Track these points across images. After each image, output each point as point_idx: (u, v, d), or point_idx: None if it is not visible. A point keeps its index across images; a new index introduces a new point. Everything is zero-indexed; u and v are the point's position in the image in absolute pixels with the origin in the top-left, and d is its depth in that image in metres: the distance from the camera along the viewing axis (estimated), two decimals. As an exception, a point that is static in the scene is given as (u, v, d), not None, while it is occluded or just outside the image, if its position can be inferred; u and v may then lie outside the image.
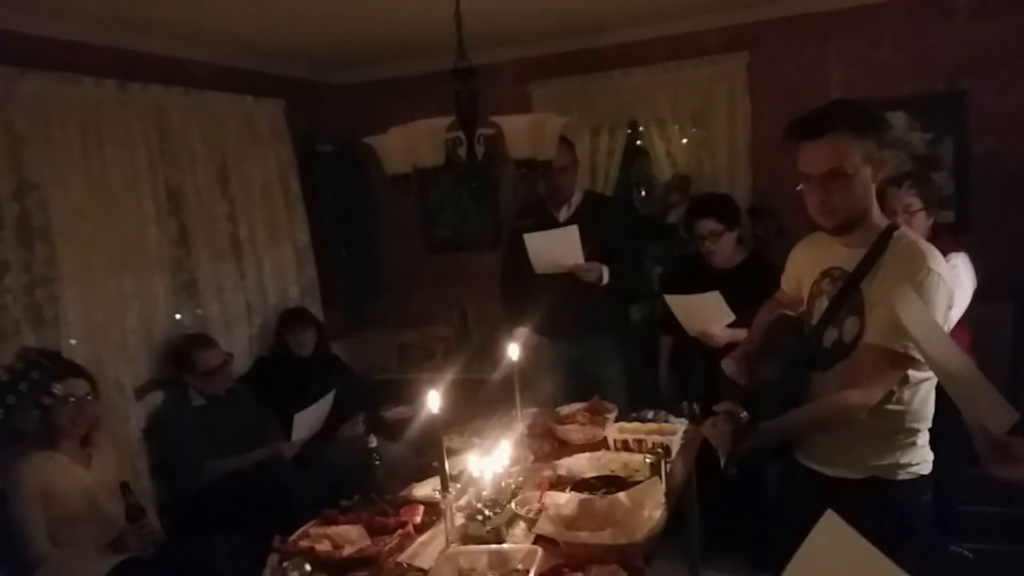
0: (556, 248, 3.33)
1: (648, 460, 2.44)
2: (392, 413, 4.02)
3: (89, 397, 2.74)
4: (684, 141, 4.29)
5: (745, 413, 1.80)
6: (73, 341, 3.04)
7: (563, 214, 3.57)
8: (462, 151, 2.41)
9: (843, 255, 1.91)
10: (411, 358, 4.75)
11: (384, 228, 4.94)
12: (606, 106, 4.34)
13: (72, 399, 2.67)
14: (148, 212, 3.41)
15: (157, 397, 3.48)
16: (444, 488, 2.09)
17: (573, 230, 3.30)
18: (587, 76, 4.31)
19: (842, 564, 0.93)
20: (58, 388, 1.05)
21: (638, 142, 4.51)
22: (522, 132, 2.25)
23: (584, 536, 1.94)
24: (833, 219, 1.85)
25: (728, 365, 2.24)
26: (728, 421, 1.81)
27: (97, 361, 3.09)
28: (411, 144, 2.27)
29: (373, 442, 2.66)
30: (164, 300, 3.51)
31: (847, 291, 1.87)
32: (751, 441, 1.76)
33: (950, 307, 1.81)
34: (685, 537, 3.01)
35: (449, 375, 4.39)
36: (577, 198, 3.60)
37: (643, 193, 4.56)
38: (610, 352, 3.64)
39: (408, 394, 4.37)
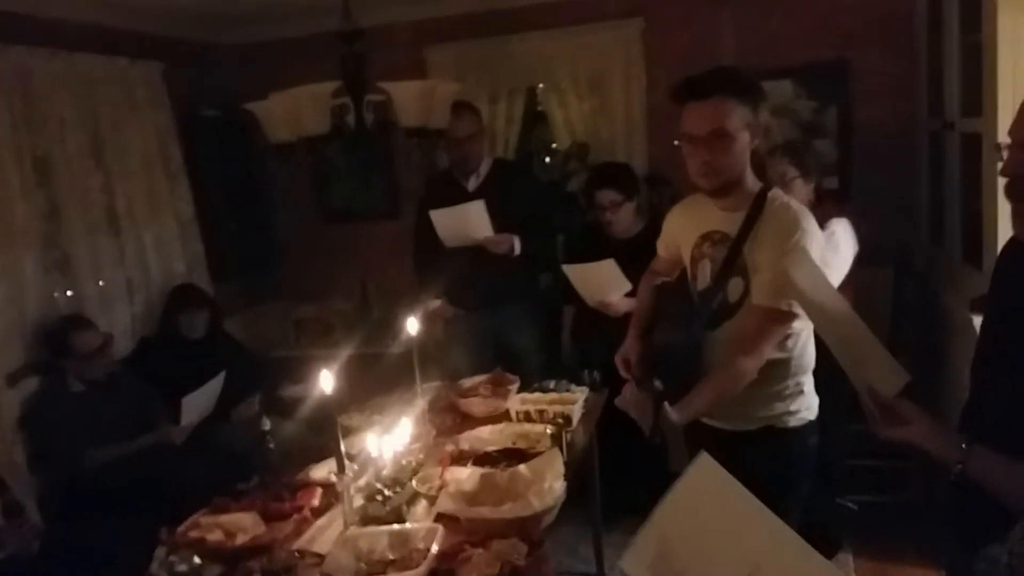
0: (465, 222, 3.27)
1: (549, 431, 2.45)
2: (290, 392, 3.89)
3: None
4: (582, 106, 4.27)
5: (658, 382, 1.84)
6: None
7: (472, 183, 3.50)
8: (350, 118, 2.31)
9: (721, 218, 1.99)
10: (309, 333, 4.61)
11: (277, 198, 4.74)
12: (504, 72, 4.28)
13: None
14: (12, 184, 3.14)
15: (32, 383, 3.24)
16: (340, 469, 2.02)
17: (480, 205, 3.24)
18: (484, 40, 4.23)
19: (713, 504, 0.96)
20: None
21: (538, 108, 4.47)
22: (412, 99, 2.17)
23: (484, 511, 1.92)
24: (714, 181, 1.91)
25: (618, 361, 2.24)
26: (641, 392, 1.84)
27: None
28: (295, 111, 2.15)
29: (266, 424, 2.56)
30: (34, 279, 3.25)
31: (730, 255, 1.93)
32: (667, 421, 1.79)
33: (826, 266, 1.90)
34: (588, 504, 3.05)
35: (349, 350, 4.29)
36: (485, 167, 3.53)
37: (544, 160, 4.54)
38: (523, 321, 3.63)
39: (307, 371, 4.19)
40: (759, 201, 1.92)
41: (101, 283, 3.57)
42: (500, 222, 3.30)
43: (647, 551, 0.99)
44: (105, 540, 2.72)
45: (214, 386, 3.38)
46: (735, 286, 1.93)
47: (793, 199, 1.99)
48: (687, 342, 1.98)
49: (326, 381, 2.04)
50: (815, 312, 1.55)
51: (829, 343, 1.49)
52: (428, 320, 3.38)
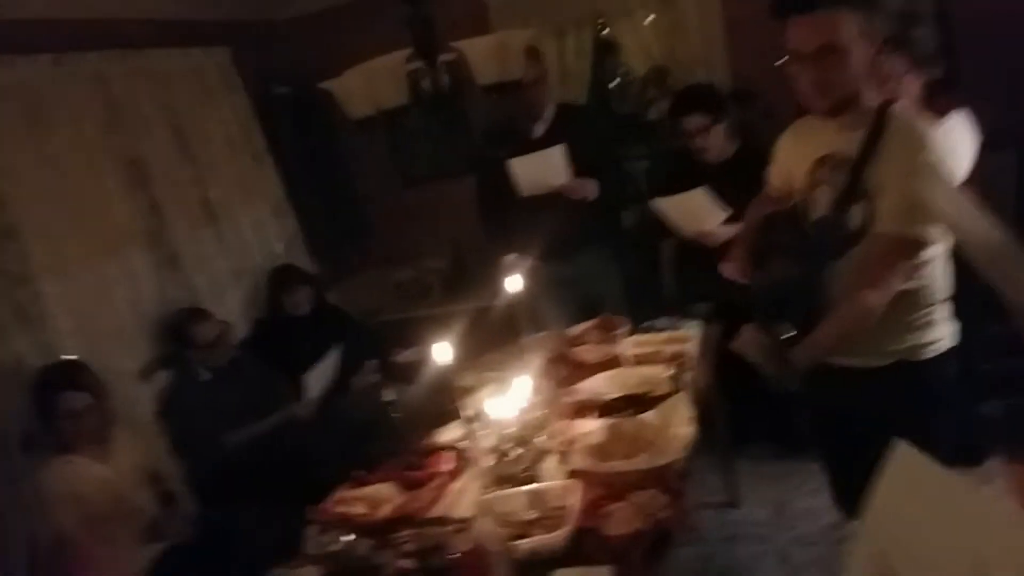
0: (542, 169, 3.21)
1: (668, 373, 2.41)
2: (403, 357, 3.96)
3: (91, 408, 2.67)
4: (650, 19, 4.08)
5: (781, 325, 1.75)
6: (64, 340, 2.94)
7: (537, 131, 3.42)
8: (426, 83, 2.26)
9: (838, 139, 1.82)
10: (409, 295, 4.67)
11: (357, 165, 4.77)
12: (568, 3, 4.12)
13: (73, 413, 2.61)
14: (110, 189, 3.25)
15: (163, 376, 3.41)
16: (470, 436, 2.05)
17: (559, 150, 3.18)
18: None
19: (922, 495, 0.87)
20: None
21: (605, 35, 4.30)
22: (486, 55, 2.10)
23: (618, 464, 1.92)
24: (826, 100, 1.75)
25: (728, 268, 2.17)
26: (762, 334, 1.77)
27: (93, 351, 2.99)
28: (371, 85, 2.12)
29: (389, 395, 2.61)
30: (147, 278, 3.39)
31: (851, 178, 1.78)
32: (795, 358, 1.71)
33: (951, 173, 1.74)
34: (714, 435, 3.02)
35: (450, 308, 4.35)
36: (550, 112, 3.43)
37: (619, 92, 4.39)
38: (605, 265, 3.56)
39: (414, 333, 4.32)
40: (880, 118, 1.74)
41: (209, 273, 3.69)
42: (572, 168, 3.23)
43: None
44: (252, 521, 2.87)
45: (332, 360, 3.48)
46: (857, 213, 1.77)
47: (917, 113, 1.82)
48: (806, 277, 1.85)
49: (443, 353, 2.05)
50: (956, 233, 1.44)
51: (976, 263, 1.38)
52: (507, 274, 3.36)
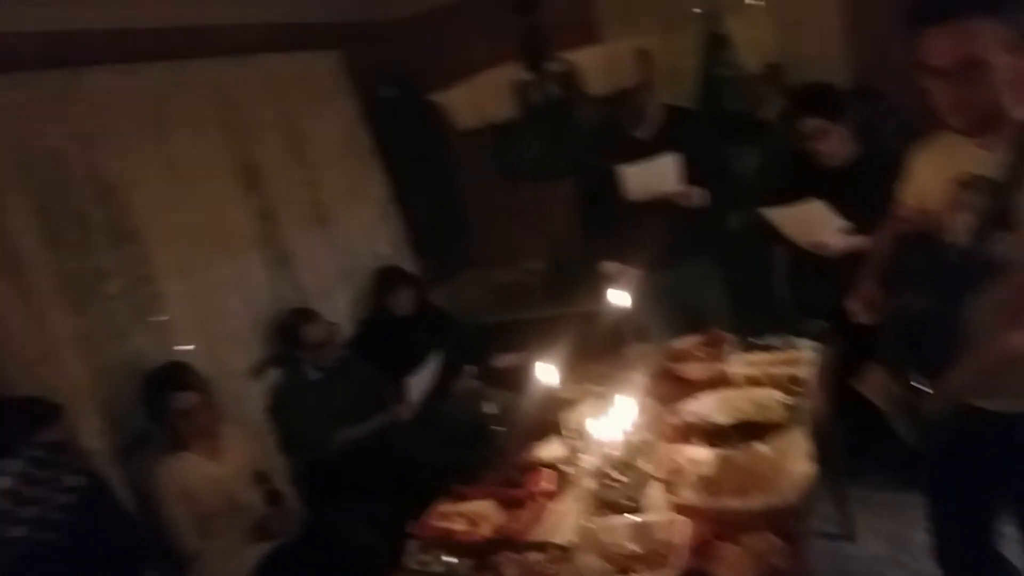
0: (653, 176, 3.12)
1: (782, 399, 2.29)
2: (503, 362, 3.96)
3: (199, 406, 2.77)
4: (769, 21, 3.89)
5: (915, 376, 1.60)
6: (182, 342, 3.06)
7: (643, 132, 3.31)
8: (534, 94, 2.21)
9: (980, 159, 1.63)
10: (510, 297, 4.66)
11: (462, 166, 4.77)
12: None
13: (183, 413, 2.72)
14: (228, 192, 3.36)
15: (272, 374, 3.51)
16: (573, 463, 2.00)
17: (671, 158, 3.08)
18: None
19: None
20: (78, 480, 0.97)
21: (716, 31, 4.13)
22: (599, 66, 2.05)
23: (732, 503, 1.82)
24: (966, 118, 1.58)
25: (854, 305, 2.01)
26: (890, 379, 1.63)
27: (207, 350, 3.11)
28: (478, 99, 2.09)
29: (491, 408, 2.59)
30: (260, 278, 3.49)
31: (995, 203, 1.60)
32: (929, 411, 1.57)
33: None
34: (828, 462, 2.85)
35: (551, 312, 4.31)
36: (658, 113, 3.32)
37: (730, 90, 4.21)
38: (711, 274, 3.43)
39: (514, 336, 4.30)
40: None
41: (318, 274, 3.78)
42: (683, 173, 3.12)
43: None
44: (355, 521, 2.91)
45: (434, 364, 3.50)
46: (1003, 242, 1.59)
47: None
48: (941, 311, 1.68)
49: (548, 373, 2.01)
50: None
51: None
52: (607, 283, 3.27)
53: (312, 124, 3.84)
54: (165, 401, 2.73)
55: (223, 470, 2.83)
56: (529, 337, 4.20)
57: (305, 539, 2.75)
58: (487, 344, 4.22)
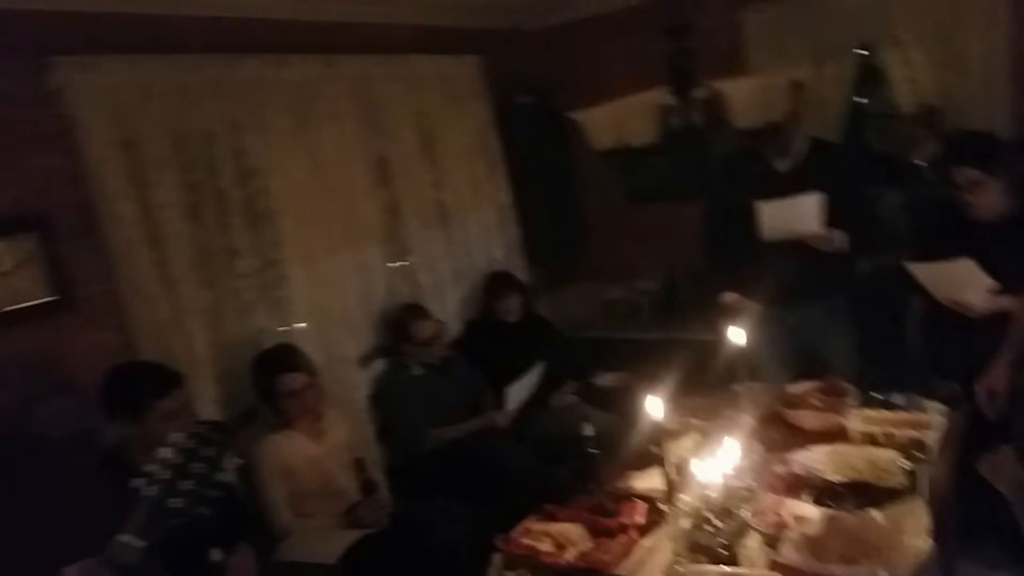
0: (792, 216, 2.97)
1: (903, 465, 2.15)
2: (604, 380, 3.91)
3: (307, 387, 2.86)
4: (928, 61, 3.67)
5: None
6: (300, 324, 3.18)
7: (784, 164, 3.17)
8: (676, 120, 2.16)
9: None
10: (618, 315, 4.60)
11: (586, 179, 4.75)
12: (832, 27, 3.81)
13: (292, 393, 2.82)
14: (360, 186, 3.46)
15: (378, 365, 3.60)
16: (669, 499, 1.95)
17: (814, 199, 2.92)
18: (808, -4, 3.80)
19: None
20: (234, 462, 1.01)
21: (873, 67, 3.94)
22: (750, 99, 1.97)
23: (837, 570, 1.72)
24: None
25: (983, 392, 1.86)
26: (1018, 466, 1.50)
27: (323, 336, 3.23)
28: (619, 121, 2.06)
29: (589, 430, 2.54)
30: (379, 271, 3.59)
31: None
32: None
33: None
34: (941, 535, 2.66)
35: (657, 334, 4.23)
36: (801, 146, 3.17)
37: (879, 128, 4.01)
38: (834, 316, 3.25)
39: (617, 355, 4.25)
40: None
41: (433, 272, 3.85)
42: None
43: None
44: (441, 520, 2.94)
45: (535, 375, 3.50)
46: None
47: None
48: None
49: (655, 408, 1.96)
50: None
51: None
52: (725, 315, 3.16)
53: (445, 126, 3.91)
54: (275, 381, 2.83)
55: (323, 451, 2.92)
56: (633, 358, 4.16)
57: (392, 532, 2.79)
58: (589, 360, 4.19)
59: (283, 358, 2.89)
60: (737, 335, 2.52)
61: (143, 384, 2.39)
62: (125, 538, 0.84)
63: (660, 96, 2.07)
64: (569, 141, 4.55)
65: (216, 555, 2.40)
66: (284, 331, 3.12)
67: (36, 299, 2.46)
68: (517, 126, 4.35)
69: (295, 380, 2.84)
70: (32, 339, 2.43)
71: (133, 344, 2.66)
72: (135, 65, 2.61)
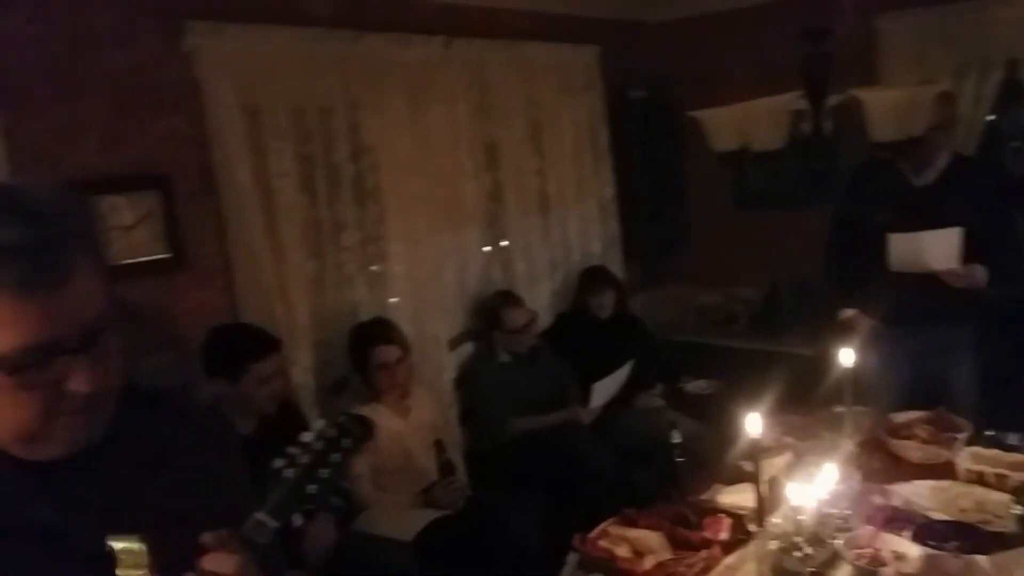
0: (926, 250, 2.76)
1: (1016, 511, 2.00)
2: (693, 386, 3.82)
3: (400, 361, 2.90)
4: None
5: None
6: (395, 299, 3.23)
7: (922, 179, 2.88)
8: (805, 125, 2.06)
9: None
10: (710, 320, 4.49)
11: (692, 179, 4.63)
12: (975, 42, 3.58)
13: (385, 365, 2.86)
14: (467, 169, 3.48)
15: (467, 348, 3.62)
16: (759, 522, 1.87)
17: (953, 234, 2.71)
18: (951, 6, 3.57)
19: None
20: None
21: (1015, 85, 3.68)
22: (891, 111, 1.85)
23: (937, 617, 1.62)
24: None
25: None
26: None
27: (416, 314, 3.26)
28: (746, 123, 1.98)
29: (677, 437, 2.48)
30: (477, 256, 3.60)
31: None
32: None
33: None
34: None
35: (754, 345, 4.11)
36: (943, 161, 2.87)
37: (1016, 151, 3.74)
38: (960, 345, 3.02)
39: (707, 361, 4.15)
40: None
41: (529, 261, 3.84)
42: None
43: None
44: (516, 509, 2.93)
45: (622, 373, 3.45)
46: None
47: None
48: None
49: (754, 425, 1.89)
50: None
51: None
52: (839, 331, 3.01)
53: (556, 115, 3.89)
54: (370, 352, 2.88)
55: (406, 428, 2.96)
56: (724, 367, 4.05)
57: (466, 516, 2.80)
58: (678, 364, 4.10)
59: (380, 331, 2.95)
60: (847, 355, 2.39)
61: (243, 346, 2.47)
62: (261, 516, 0.85)
63: (792, 101, 1.97)
64: (680, 139, 4.46)
65: (297, 520, 2.46)
66: (380, 306, 3.16)
67: (153, 255, 2.55)
68: (628, 120, 4.28)
69: (389, 353, 2.88)
70: (145, 293, 2.53)
71: (237, 306, 2.74)
72: (264, 35, 2.67)
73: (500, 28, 3.60)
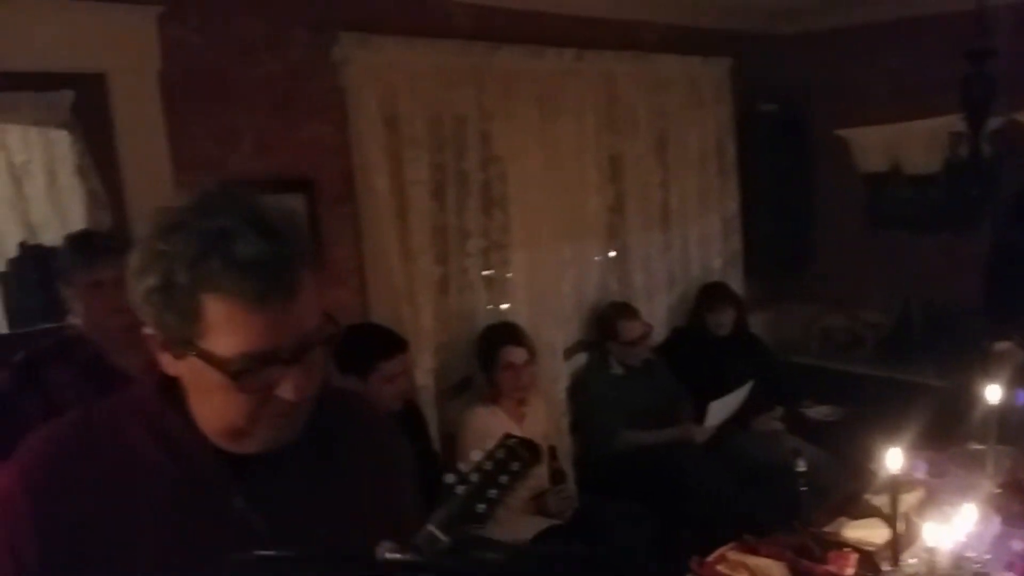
0: None
1: None
2: (815, 412, 3.69)
3: (526, 364, 2.95)
4: None
5: None
6: (513, 306, 3.28)
7: None
8: (962, 149, 1.96)
9: None
10: (833, 343, 4.33)
11: (822, 196, 4.47)
12: None
13: (512, 366, 2.91)
14: (591, 181, 3.49)
15: (580, 358, 3.63)
16: (894, 561, 1.80)
17: None
18: None
19: None
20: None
21: None
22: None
23: None
24: None
25: None
26: None
27: (534, 323, 3.29)
28: (898, 144, 1.90)
29: (802, 465, 2.41)
30: (596, 267, 3.61)
31: None
32: None
33: None
34: None
35: (882, 372, 3.94)
36: None
37: None
38: None
39: (829, 386, 4.01)
40: None
41: (647, 274, 3.82)
42: None
43: None
44: (626, 523, 2.92)
45: (741, 393, 3.37)
46: None
47: None
48: None
49: (894, 459, 1.82)
50: None
51: None
52: (988, 363, 2.84)
53: (683, 127, 3.85)
54: (499, 352, 2.94)
55: (522, 434, 2.98)
56: (848, 393, 3.89)
57: (577, 527, 2.80)
58: (798, 387, 3.97)
59: (511, 333, 3.02)
60: (994, 391, 2.26)
61: (373, 345, 2.57)
62: (433, 529, 0.88)
63: (950, 123, 1.88)
64: (810, 154, 4.32)
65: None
66: (499, 312, 3.22)
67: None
68: (756, 134, 4.18)
69: (517, 354, 2.94)
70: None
71: (368, 306, 2.85)
72: (406, 46, 2.77)
73: (630, 40, 3.59)
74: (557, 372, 3.41)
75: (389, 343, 2.58)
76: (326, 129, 2.73)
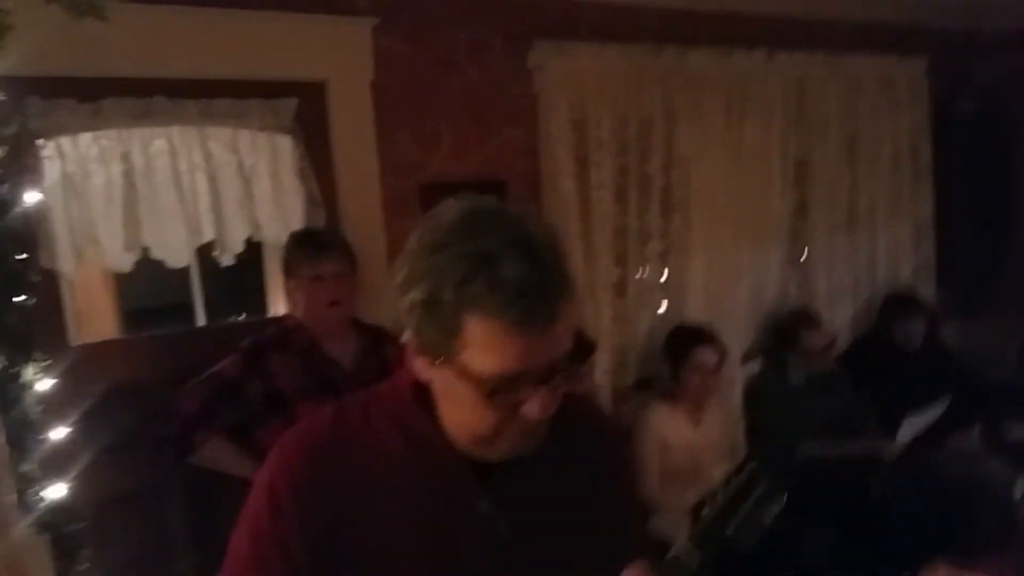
0: None
1: None
2: (1018, 433, 3.42)
3: (717, 366, 2.93)
4: None
5: None
6: (691, 309, 3.25)
7: None
8: None
9: None
10: (1037, 362, 3.98)
11: (1021, 200, 4.13)
12: None
13: (703, 367, 2.89)
14: (774, 184, 3.41)
15: (755, 364, 3.54)
16: None
17: None
18: None
19: None
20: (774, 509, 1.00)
21: None
22: None
23: None
24: None
25: None
26: None
27: (712, 326, 3.24)
28: None
29: (1019, 490, 2.24)
30: (775, 271, 3.51)
31: None
32: None
33: None
34: None
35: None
36: None
37: None
38: None
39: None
40: None
41: (831, 281, 3.68)
42: None
43: None
44: (810, 539, 2.82)
45: (937, 411, 3.18)
46: None
47: None
48: None
49: None
50: None
51: None
52: None
53: (874, 129, 3.68)
54: (692, 351, 2.91)
55: (698, 438, 2.96)
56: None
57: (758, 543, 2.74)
58: (1001, 406, 3.68)
59: (705, 333, 2.99)
60: None
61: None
62: (682, 551, 0.90)
63: None
64: (1010, 157, 4.00)
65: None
66: (677, 315, 3.20)
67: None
68: (953, 135, 3.92)
69: (710, 355, 2.91)
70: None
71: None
72: (597, 52, 2.82)
73: (822, 40, 3.47)
74: (734, 378, 3.35)
75: (579, 344, 2.63)
76: (517, 133, 2.83)
